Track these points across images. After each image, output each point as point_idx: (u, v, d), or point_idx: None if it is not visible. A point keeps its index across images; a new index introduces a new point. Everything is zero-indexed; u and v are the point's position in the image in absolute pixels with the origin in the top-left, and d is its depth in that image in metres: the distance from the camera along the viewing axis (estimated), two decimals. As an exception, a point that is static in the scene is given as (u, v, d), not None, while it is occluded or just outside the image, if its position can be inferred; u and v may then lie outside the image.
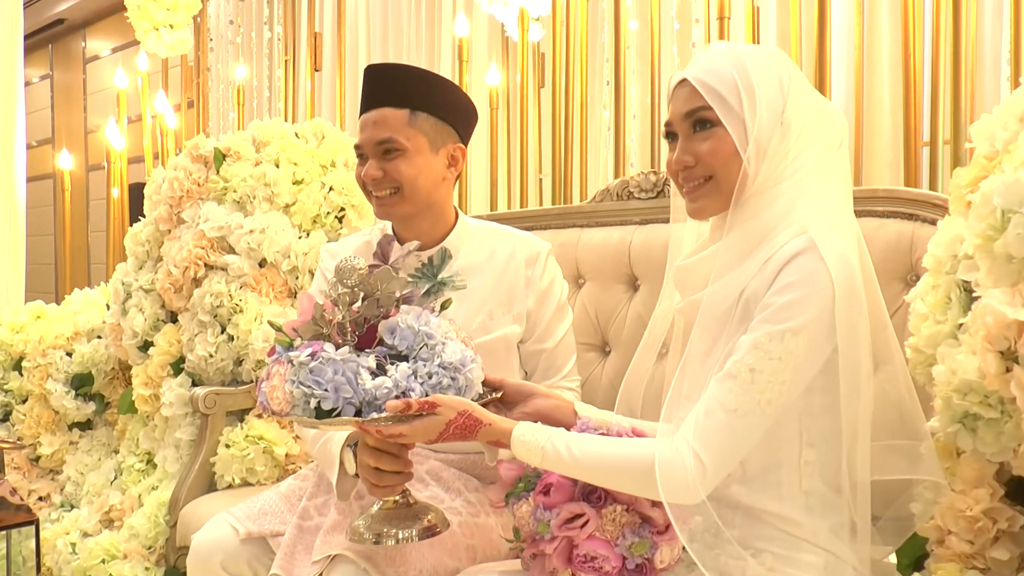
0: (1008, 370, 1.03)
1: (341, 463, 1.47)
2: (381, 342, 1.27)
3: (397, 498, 1.38)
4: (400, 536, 1.35)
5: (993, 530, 1.14)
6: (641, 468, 1.15)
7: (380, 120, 1.59)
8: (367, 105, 1.62)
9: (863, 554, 1.20)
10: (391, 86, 1.60)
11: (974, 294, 1.13)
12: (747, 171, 1.21)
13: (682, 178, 1.27)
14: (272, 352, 1.29)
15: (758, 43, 2.59)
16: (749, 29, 2.52)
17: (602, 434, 1.24)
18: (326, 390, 1.20)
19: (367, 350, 1.25)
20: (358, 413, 1.21)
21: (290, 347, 1.27)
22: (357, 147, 1.63)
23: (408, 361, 1.25)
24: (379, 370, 1.24)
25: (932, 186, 2.18)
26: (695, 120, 1.24)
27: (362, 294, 1.28)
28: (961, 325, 1.16)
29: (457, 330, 1.33)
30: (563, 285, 1.73)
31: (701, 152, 1.23)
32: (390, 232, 1.70)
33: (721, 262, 1.22)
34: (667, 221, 1.39)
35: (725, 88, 1.21)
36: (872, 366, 1.20)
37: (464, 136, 1.68)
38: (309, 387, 1.21)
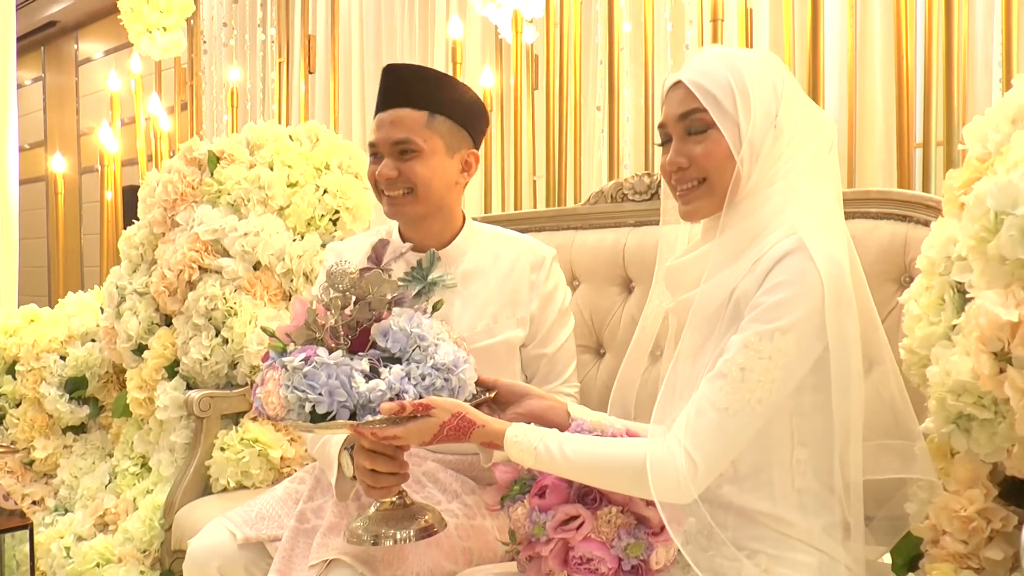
0: (1002, 371, 1.03)
1: (339, 466, 1.47)
2: (374, 345, 1.27)
3: (394, 499, 1.38)
4: (398, 537, 1.35)
5: (987, 530, 1.14)
6: (633, 468, 1.15)
7: (397, 120, 1.58)
8: (385, 104, 1.61)
9: (857, 554, 1.21)
10: (410, 87, 1.59)
11: (967, 295, 1.13)
12: (740, 173, 1.21)
13: (675, 180, 1.27)
14: (266, 357, 1.30)
15: (751, 45, 2.59)
16: (742, 31, 2.53)
17: (596, 435, 1.24)
18: (320, 394, 1.20)
19: (360, 353, 1.26)
20: (353, 416, 1.22)
21: (284, 352, 1.27)
22: (372, 145, 1.62)
23: (401, 363, 1.25)
24: (372, 373, 1.24)
25: (925, 188, 2.19)
26: (689, 122, 1.24)
27: (354, 298, 1.28)
28: (955, 326, 1.16)
29: (449, 331, 1.33)
30: (566, 291, 1.73)
31: (695, 154, 1.24)
32: (396, 233, 1.70)
33: (713, 262, 1.23)
34: (661, 223, 1.39)
35: (720, 90, 1.21)
36: (863, 366, 1.21)
37: (477, 141, 1.67)
38: (303, 391, 1.21)
